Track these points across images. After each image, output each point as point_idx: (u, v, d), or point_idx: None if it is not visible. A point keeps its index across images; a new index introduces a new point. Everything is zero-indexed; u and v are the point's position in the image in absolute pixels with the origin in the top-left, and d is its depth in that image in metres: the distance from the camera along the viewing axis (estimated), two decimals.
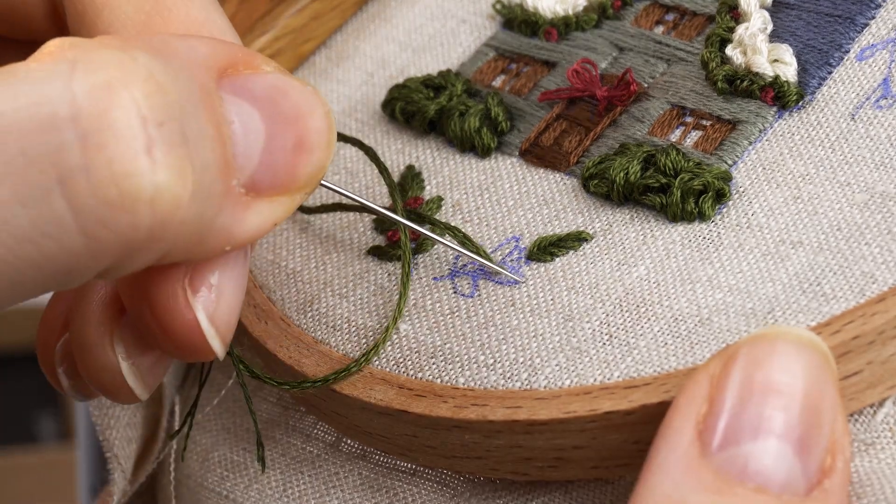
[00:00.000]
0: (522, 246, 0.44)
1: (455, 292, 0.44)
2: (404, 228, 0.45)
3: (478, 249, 0.44)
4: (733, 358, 0.35)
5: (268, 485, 0.46)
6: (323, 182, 0.41)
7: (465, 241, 0.44)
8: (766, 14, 0.47)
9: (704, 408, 0.35)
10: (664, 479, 0.34)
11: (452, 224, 0.46)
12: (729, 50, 0.46)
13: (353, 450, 0.45)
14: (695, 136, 0.45)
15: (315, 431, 0.46)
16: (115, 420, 0.49)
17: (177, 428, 0.49)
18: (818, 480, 0.34)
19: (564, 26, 0.51)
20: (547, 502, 0.41)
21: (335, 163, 0.50)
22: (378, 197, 0.48)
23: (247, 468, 0.47)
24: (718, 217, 0.42)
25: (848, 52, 0.45)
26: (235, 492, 0.46)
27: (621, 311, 0.40)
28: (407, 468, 0.44)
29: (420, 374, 0.42)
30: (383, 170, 0.46)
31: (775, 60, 0.45)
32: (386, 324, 0.43)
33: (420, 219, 0.46)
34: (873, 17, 0.45)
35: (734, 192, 0.42)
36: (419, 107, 0.50)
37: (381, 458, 0.44)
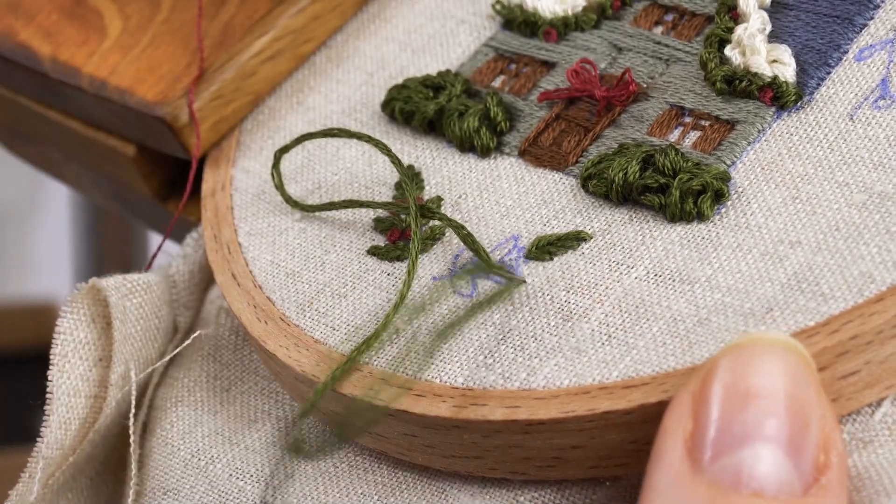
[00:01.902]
0: (521, 245, 0.44)
1: (454, 292, 0.44)
2: (416, 216, 0.44)
3: (480, 251, 0.44)
4: (711, 371, 0.35)
5: (253, 462, 0.46)
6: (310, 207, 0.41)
7: (468, 238, 0.44)
8: (765, 14, 0.47)
9: (690, 425, 0.35)
10: (660, 502, 0.34)
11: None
12: (728, 50, 0.46)
13: (348, 446, 0.45)
14: (693, 136, 0.45)
15: (311, 427, 0.46)
16: (71, 366, 0.48)
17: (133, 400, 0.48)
18: (814, 478, 0.34)
19: (564, 26, 0.51)
20: (537, 497, 0.41)
21: (335, 163, 0.50)
22: (379, 197, 0.48)
23: (232, 445, 0.46)
24: (717, 217, 0.42)
25: (846, 52, 0.45)
26: (217, 462, 0.46)
27: (620, 311, 0.40)
28: (399, 462, 0.44)
29: (419, 374, 0.42)
30: (396, 161, 0.47)
31: (774, 61, 0.45)
32: (390, 323, 0.43)
33: (429, 213, 0.46)
34: (871, 18, 0.45)
35: (733, 192, 0.42)
36: (418, 107, 0.50)
37: (375, 453, 0.44)
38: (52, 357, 0.48)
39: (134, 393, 0.48)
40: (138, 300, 0.49)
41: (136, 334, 0.49)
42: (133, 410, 0.48)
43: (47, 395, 0.48)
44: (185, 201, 0.53)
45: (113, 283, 0.49)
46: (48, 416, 0.47)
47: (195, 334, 0.50)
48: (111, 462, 0.52)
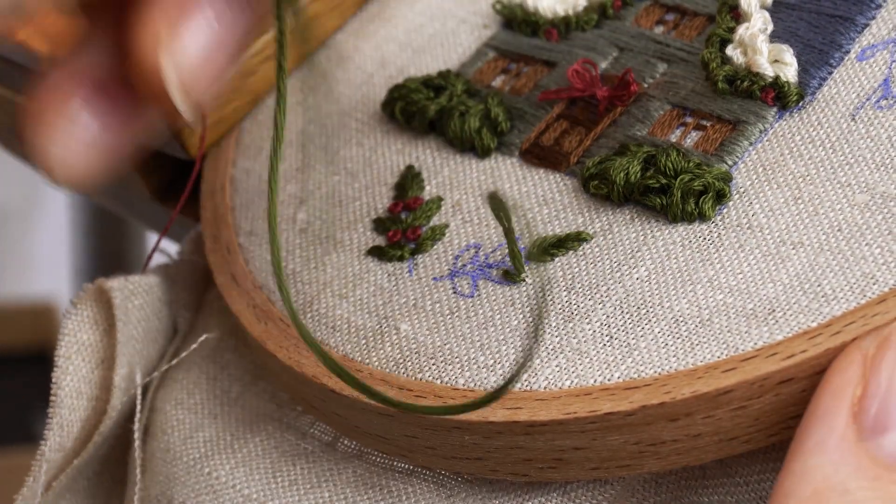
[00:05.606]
0: (522, 246, 0.44)
1: (455, 292, 0.44)
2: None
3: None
4: (888, 339, 0.35)
5: (256, 469, 0.46)
6: None
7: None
8: (767, 14, 0.46)
9: (859, 390, 0.34)
10: (822, 461, 0.33)
11: (453, 225, 0.46)
12: (729, 50, 0.46)
13: (350, 449, 0.45)
14: (695, 136, 0.45)
15: (312, 430, 0.46)
16: (75, 368, 0.48)
17: (138, 407, 0.48)
18: None
19: (565, 26, 0.51)
20: (544, 502, 0.41)
21: (335, 163, 0.50)
22: (379, 198, 0.48)
23: (234, 452, 0.46)
24: (719, 218, 0.42)
25: (848, 52, 0.45)
26: (219, 470, 0.46)
27: (622, 312, 0.40)
28: (404, 468, 0.44)
29: (420, 375, 0.42)
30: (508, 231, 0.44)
31: (776, 61, 0.45)
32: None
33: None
34: (874, 18, 0.45)
35: (735, 192, 0.42)
36: (419, 107, 0.50)
37: (378, 458, 0.44)
38: (56, 359, 0.48)
39: (140, 397, 0.48)
40: (140, 301, 0.49)
41: (137, 336, 0.49)
42: (138, 415, 0.48)
43: (51, 398, 0.48)
44: (184, 201, 0.53)
45: (117, 285, 0.49)
46: (51, 418, 0.47)
47: (202, 338, 0.49)
48: (110, 462, 0.52)
